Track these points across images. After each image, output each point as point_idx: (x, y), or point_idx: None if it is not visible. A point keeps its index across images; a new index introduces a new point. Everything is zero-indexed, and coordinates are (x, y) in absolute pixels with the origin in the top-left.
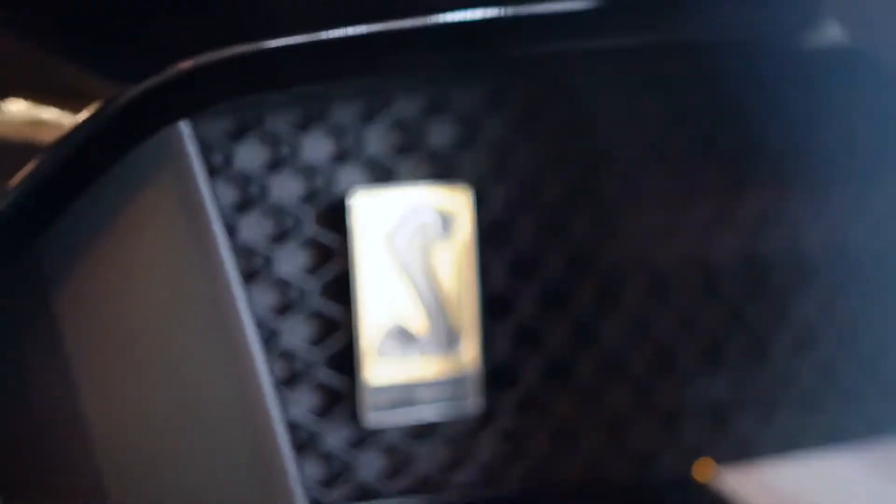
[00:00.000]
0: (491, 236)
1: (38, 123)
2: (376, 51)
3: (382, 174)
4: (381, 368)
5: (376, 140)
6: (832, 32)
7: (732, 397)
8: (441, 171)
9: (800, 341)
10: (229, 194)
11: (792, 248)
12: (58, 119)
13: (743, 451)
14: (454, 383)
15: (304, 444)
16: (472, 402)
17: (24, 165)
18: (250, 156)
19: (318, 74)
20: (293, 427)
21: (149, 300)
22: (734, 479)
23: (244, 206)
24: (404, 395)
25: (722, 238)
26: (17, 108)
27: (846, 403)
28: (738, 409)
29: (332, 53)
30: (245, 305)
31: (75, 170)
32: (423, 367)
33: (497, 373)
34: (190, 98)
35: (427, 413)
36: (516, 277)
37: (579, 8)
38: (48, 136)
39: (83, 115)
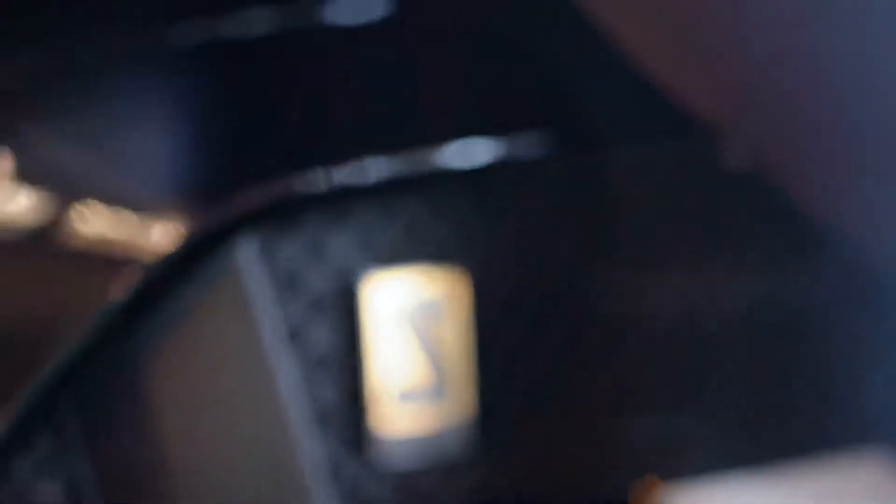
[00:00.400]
0: (485, 313)
1: (135, 242)
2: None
3: (394, 260)
4: (392, 420)
5: (390, 233)
6: None
7: (676, 424)
8: (443, 256)
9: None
10: (272, 284)
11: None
12: (152, 240)
13: (687, 471)
14: (452, 432)
15: (326, 479)
16: (465, 446)
17: (123, 282)
18: (288, 249)
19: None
20: (316, 466)
21: (216, 374)
22: (678, 500)
23: (283, 290)
24: (411, 441)
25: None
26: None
27: (789, 424)
28: (681, 434)
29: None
30: (285, 371)
31: (167, 281)
32: (428, 419)
33: (487, 425)
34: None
35: (429, 454)
36: (509, 347)
37: None
38: (150, 253)
39: (179, 235)
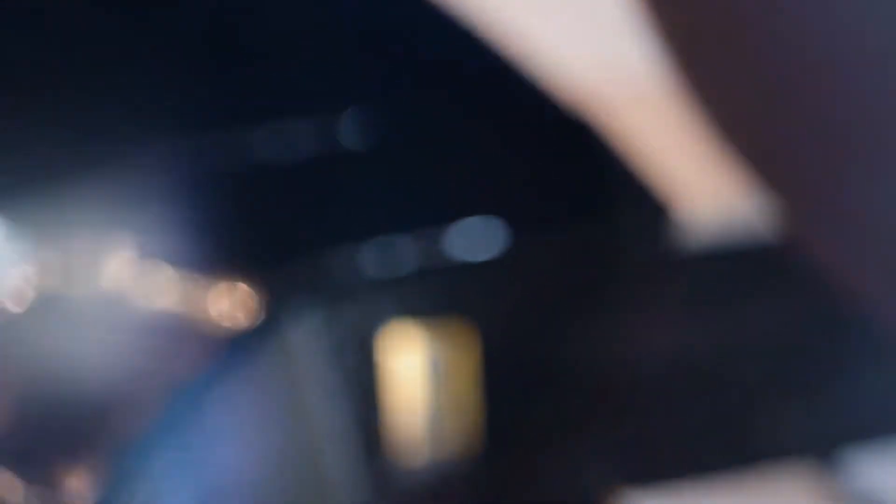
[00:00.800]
0: (489, 364)
1: (206, 313)
2: None
3: (409, 314)
4: (405, 454)
5: (404, 292)
6: None
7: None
8: (451, 312)
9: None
10: (317, 342)
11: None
12: (221, 310)
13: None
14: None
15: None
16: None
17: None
18: (332, 313)
19: None
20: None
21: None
22: None
23: (324, 345)
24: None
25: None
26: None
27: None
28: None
29: None
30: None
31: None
32: (435, 455)
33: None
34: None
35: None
36: (509, 396)
37: None
38: (220, 323)
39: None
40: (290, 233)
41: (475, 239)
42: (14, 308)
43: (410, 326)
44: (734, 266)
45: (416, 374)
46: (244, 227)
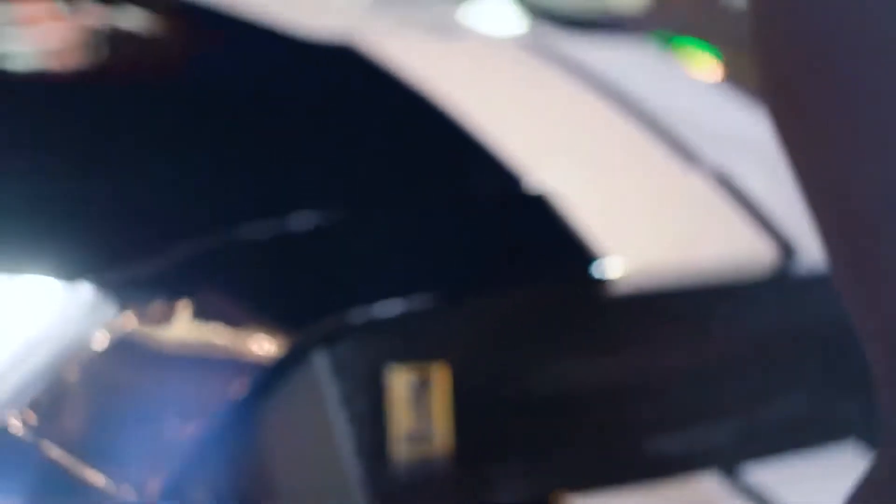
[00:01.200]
0: (459, 393)
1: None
2: None
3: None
4: (402, 461)
5: (402, 342)
6: None
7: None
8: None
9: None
10: (335, 380)
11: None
12: (256, 349)
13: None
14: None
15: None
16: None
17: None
18: (348, 355)
19: None
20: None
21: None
22: None
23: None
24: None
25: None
26: (225, 338)
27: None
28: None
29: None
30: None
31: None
32: (423, 461)
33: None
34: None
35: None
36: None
37: None
38: (264, 355)
39: (275, 350)
40: (313, 291)
41: (449, 297)
42: (101, 348)
43: (402, 364)
44: (653, 310)
45: (404, 398)
46: (275, 286)
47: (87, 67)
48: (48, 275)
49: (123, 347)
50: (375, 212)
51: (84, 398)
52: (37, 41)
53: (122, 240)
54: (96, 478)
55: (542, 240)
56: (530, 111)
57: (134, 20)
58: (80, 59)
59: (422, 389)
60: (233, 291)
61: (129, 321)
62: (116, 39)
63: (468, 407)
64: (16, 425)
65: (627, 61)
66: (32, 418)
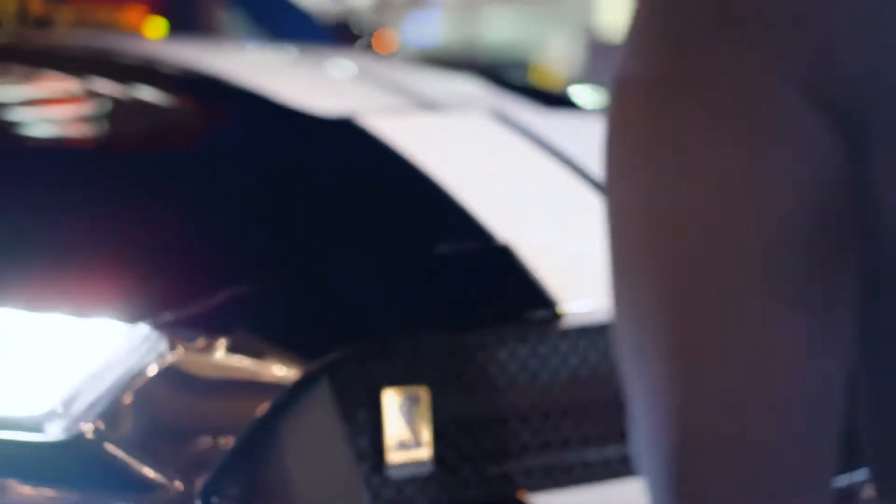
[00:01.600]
0: (440, 410)
1: (264, 374)
2: None
3: (396, 384)
4: (395, 465)
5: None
6: None
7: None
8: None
9: None
10: (339, 402)
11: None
12: (275, 374)
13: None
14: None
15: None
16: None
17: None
18: (353, 380)
19: None
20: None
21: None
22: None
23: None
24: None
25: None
26: (244, 364)
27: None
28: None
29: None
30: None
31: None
32: (412, 465)
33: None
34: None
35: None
36: (451, 433)
37: None
38: (281, 380)
39: (293, 375)
40: (321, 329)
41: (430, 332)
42: (154, 374)
43: (393, 386)
44: (598, 342)
45: (395, 413)
46: (291, 325)
47: (124, 139)
48: (115, 318)
49: (172, 374)
50: (371, 263)
51: (141, 413)
52: (63, 115)
53: (171, 289)
54: (152, 474)
55: (506, 285)
56: (498, 175)
57: (153, 95)
58: (113, 132)
59: (410, 407)
60: (258, 330)
61: (177, 353)
62: (145, 113)
63: (448, 421)
64: (89, 432)
65: (579, 130)
66: (101, 428)
